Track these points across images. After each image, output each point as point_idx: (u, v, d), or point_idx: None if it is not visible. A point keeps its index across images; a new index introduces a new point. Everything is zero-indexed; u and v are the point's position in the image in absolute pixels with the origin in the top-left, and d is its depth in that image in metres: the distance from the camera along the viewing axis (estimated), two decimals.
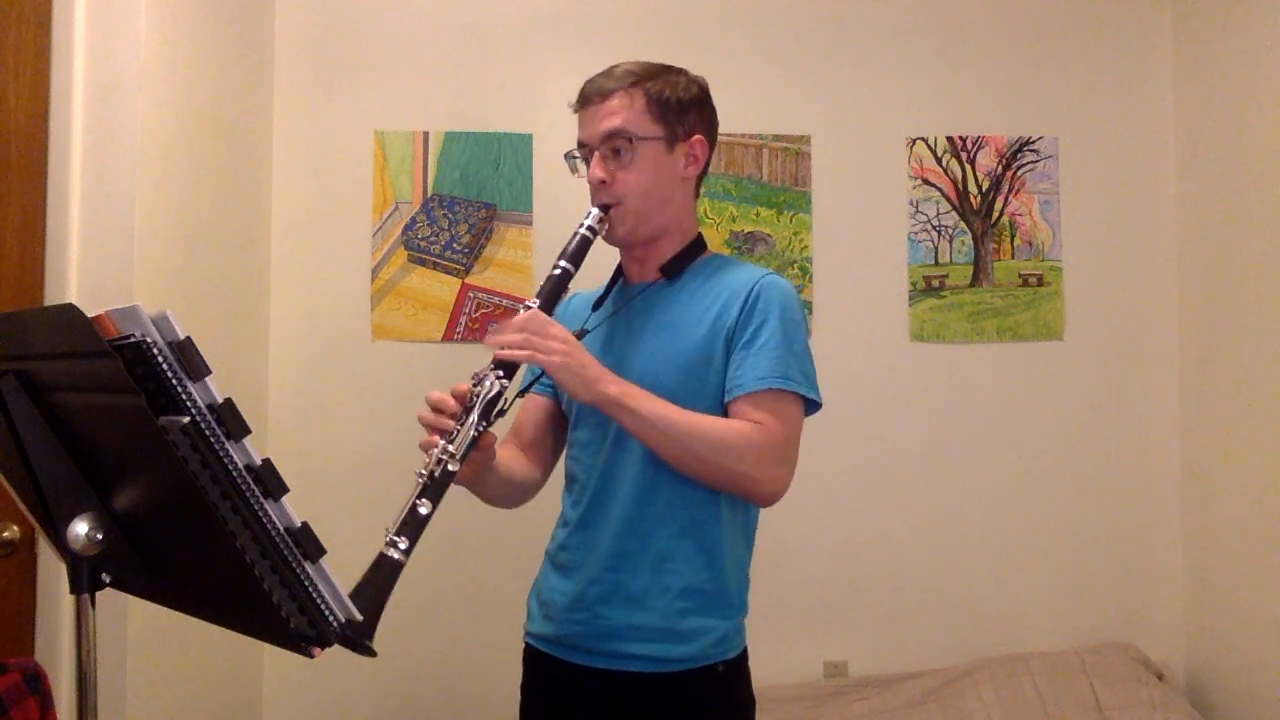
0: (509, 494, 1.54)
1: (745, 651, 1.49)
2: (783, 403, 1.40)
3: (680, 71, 1.52)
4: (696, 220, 1.58)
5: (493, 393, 1.32)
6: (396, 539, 1.21)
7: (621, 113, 1.45)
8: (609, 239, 1.50)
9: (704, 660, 1.42)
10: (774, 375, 1.39)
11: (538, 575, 1.58)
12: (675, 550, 1.43)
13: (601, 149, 1.46)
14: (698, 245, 1.55)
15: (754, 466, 1.37)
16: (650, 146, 1.46)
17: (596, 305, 1.59)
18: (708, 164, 1.56)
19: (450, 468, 1.27)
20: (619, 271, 1.60)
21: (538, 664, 1.53)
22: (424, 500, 1.24)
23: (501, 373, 1.34)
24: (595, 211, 1.47)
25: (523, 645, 1.58)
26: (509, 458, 1.53)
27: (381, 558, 1.20)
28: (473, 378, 1.34)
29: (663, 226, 1.50)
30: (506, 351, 1.32)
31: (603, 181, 1.46)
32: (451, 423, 1.31)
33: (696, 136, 1.51)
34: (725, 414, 1.43)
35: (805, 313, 1.51)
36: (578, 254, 1.45)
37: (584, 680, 1.45)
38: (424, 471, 1.27)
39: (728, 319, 1.44)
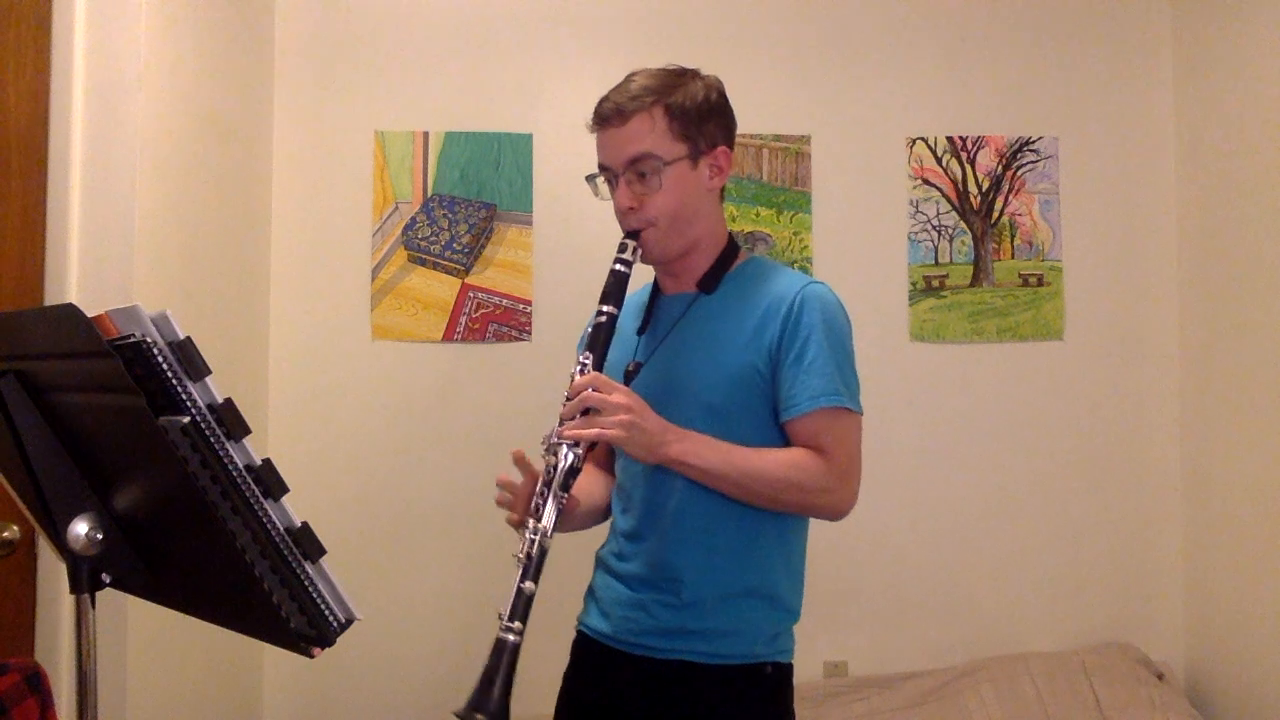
0: (596, 520, 1.59)
1: (791, 665, 1.50)
2: (840, 418, 1.42)
3: (695, 75, 1.49)
4: (725, 226, 1.56)
5: (568, 463, 1.34)
6: (510, 624, 1.26)
7: (644, 137, 1.42)
8: (644, 261, 1.48)
9: (753, 658, 1.43)
10: (828, 392, 1.40)
11: (592, 577, 1.59)
12: (727, 558, 1.43)
13: (625, 174, 1.44)
14: (730, 252, 1.53)
15: (823, 495, 1.41)
16: (676, 167, 1.43)
17: (641, 330, 1.55)
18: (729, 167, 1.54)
19: (545, 544, 1.31)
20: (656, 287, 1.58)
21: (587, 649, 1.54)
22: (527, 581, 1.28)
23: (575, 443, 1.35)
24: (628, 243, 1.45)
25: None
26: (590, 486, 1.55)
27: (500, 642, 1.25)
28: (543, 444, 1.36)
29: (694, 240, 1.49)
30: (573, 432, 1.33)
31: (631, 208, 1.44)
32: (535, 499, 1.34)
33: (720, 148, 1.49)
34: (779, 430, 1.43)
35: (849, 321, 1.49)
36: (618, 293, 1.43)
37: (631, 667, 1.45)
38: (521, 554, 1.31)
39: (770, 333, 1.42)
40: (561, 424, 1.34)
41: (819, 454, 1.39)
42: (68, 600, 1.28)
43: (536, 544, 1.30)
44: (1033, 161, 2.70)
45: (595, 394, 1.32)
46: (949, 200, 2.68)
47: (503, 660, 1.23)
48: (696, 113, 1.45)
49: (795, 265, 2.62)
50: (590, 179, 1.50)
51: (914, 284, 2.67)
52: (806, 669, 2.58)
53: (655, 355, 1.50)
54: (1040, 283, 2.68)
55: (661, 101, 1.43)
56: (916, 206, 2.68)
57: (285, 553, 0.89)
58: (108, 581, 0.99)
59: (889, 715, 2.39)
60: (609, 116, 1.44)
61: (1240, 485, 2.48)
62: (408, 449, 2.56)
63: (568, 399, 1.35)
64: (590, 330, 1.42)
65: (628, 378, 1.45)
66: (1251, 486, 2.43)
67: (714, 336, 1.46)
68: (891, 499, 2.64)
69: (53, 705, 1.41)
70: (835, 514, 1.44)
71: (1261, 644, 2.40)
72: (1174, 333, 2.71)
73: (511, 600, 1.27)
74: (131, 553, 1.00)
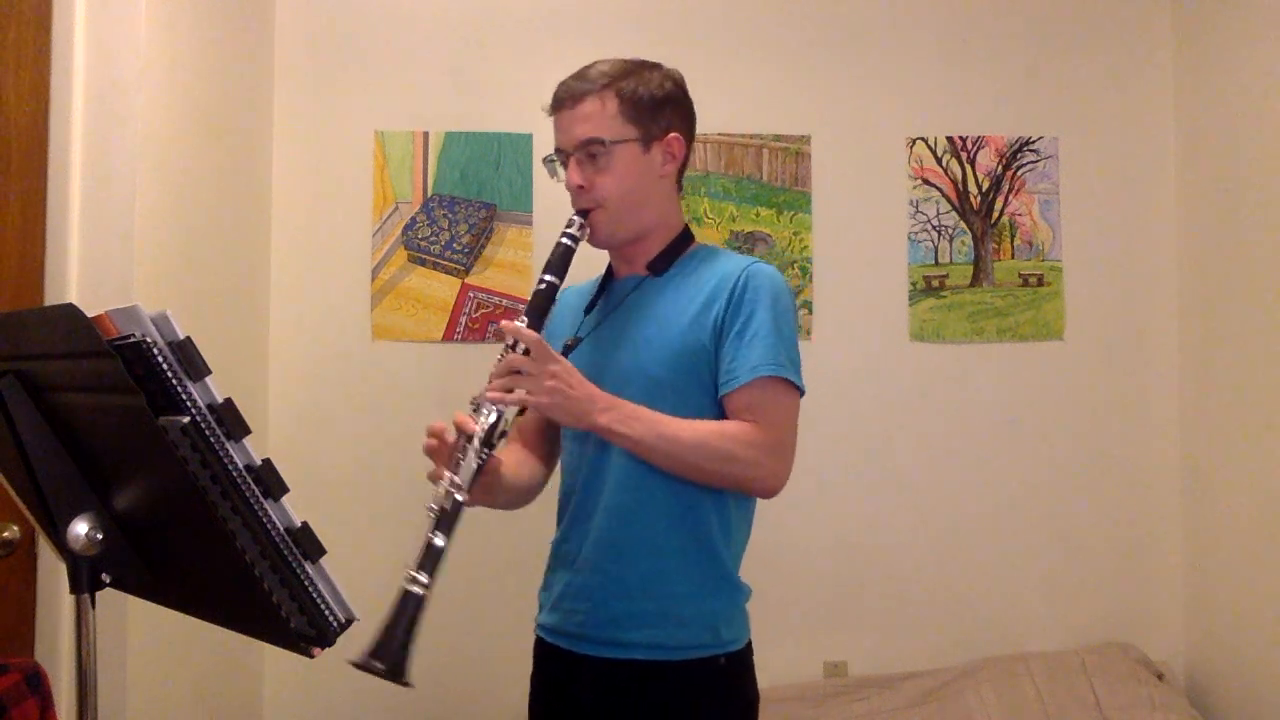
0: (518, 499, 1.56)
1: (749, 645, 1.49)
2: (777, 392, 1.41)
3: (655, 67, 1.52)
4: (681, 214, 1.58)
5: (492, 420, 1.34)
6: (417, 574, 1.24)
7: (594, 118, 1.46)
8: (592, 243, 1.50)
9: (705, 649, 1.42)
10: (767, 363, 1.40)
11: (545, 569, 1.59)
12: (670, 538, 1.43)
13: (577, 154, 1.47)
14: (684, 239, 1.56)
15: (752, 467, 1.39)
16: (625, 149, 1.46)
17: (589, 309, 1.58)
18: (687, 158, 1.56)
19: (459, 498, 1.30)
20: (609, 271, 1.60)
21: (545, 654, 1.54)
22: (438, 533, 1.27)
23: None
24: (576, 219, 1.47)
25: (532, 639, 1.58)
26: (515, 463, 1.55)
27: (405, 594, 1.23)
28: (471, 403, 1.36)
29: (645, 226, 1.51)
30: (496, 395, 1.34)
31: (580, 187, 1.47)
32: (455, 454, 1.34)
33: (673, 134, 1.51)
34: (719, 406, 1.43)
35: (794, 300, 1.51)
36: (561, 265, 1.45)
37: (588, 669, 1.45)
38: (434, 506, 1.30)
39: (715, 309, 1.44)
40: (491, 384, 1.35)
41: (753, 426, 1.38)
42: (68, 600, 1.28)
43: (452, 498, 1.29)
44: (1033, 161, 2.70)
45: (524, 359, 1.33)
46: (949, 200, 2.68)
47: (405, 612, 1.22)
48: (650, 100, 1.48)
49: (795, 265, 2.62)
50: (547, 160, 1.54)
51: (914, 284, 2.67)
52: (806, 669, 2.58)
53: (599, 331, 1.52)
54: (1040, 283, 2.68)
55: (613, 86, 1.47)
56: (916, 206, 2.68)
57: (285, 553, 0.89)
58: (108, 581, 0.99)
59: (889, 715, 2.39)
60: (563, 100, 1.49)
61: (1240, 485, 2.48)
62: (408, 449, 2.55)
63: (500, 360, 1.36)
64: (530, 298, 1.44)
65: (566, 351, 1.47)
66: (1251, 486, 2.43)
67: (660, 314, 1.47)
68: (891, 499, 2.64)
69: (53, 705, 1.41)
70: (766, 490, 1.43)
71: (1261, 644, 2.40)
72: (1174, 333, 2.71)
73: (421, 552, 1.26)
74: (131, 553, 1.00)
